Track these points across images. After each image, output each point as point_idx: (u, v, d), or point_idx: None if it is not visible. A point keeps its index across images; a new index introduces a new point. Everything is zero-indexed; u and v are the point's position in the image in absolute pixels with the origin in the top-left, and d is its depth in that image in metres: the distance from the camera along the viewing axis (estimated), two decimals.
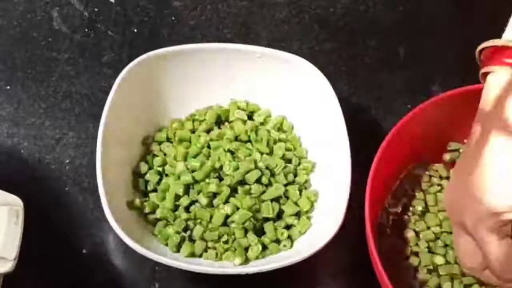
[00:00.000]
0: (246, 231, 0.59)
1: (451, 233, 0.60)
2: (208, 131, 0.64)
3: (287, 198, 0.61)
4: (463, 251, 0.51)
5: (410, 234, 0.61)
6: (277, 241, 0.60)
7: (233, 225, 0.59)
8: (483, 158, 0.47)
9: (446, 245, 0.60)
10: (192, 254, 0.59)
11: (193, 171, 0.60)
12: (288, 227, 0.60)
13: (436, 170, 0.65)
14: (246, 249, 0.59)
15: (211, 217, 0.59)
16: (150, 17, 0.75)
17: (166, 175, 0.62)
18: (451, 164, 0.64)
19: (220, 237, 0.59)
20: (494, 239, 0.47)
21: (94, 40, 0.73)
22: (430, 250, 0.60)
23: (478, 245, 0.48)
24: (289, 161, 0.64)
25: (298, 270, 0.59)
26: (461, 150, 0.65)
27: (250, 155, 0.61)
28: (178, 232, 0.59)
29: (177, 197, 0.60)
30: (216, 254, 0.59)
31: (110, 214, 0.56)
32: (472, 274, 0.54)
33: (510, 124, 0.46)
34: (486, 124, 0.49)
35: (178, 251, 0.59)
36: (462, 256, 0.52)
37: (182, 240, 0.59)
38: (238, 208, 0.59)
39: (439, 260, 0.59)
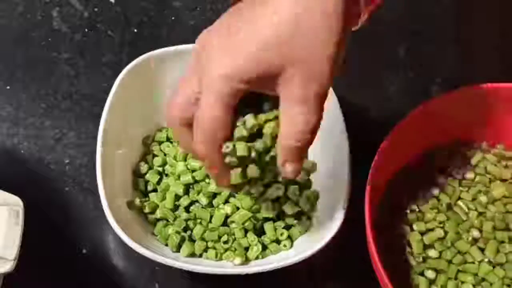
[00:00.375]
0: (246, 231, 0.59)
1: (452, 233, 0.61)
2: None
3: (287, 198, 0.61)
4: (180, 99, 0.48)
5: (410, 233, 0.61)
6: (277, 241, 0.60)
7: (233, 225, 0.59)
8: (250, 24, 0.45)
9: (448, 247, 0.61)
10: (192, 254, 0.59)
11: (193, 171, 0.60)
12: (288, 227, 0.60)
13: None
14: (246, 249, 0.59)
15: (211, 217, 0.59)
16: (150, 17, 0.75)
17: (166, 175, 0.62)
18: None
19: (220, 237, 0.59)
20: (216, 103, 0.45)
21: (94, 40, 0.73)
22: (430, 249, 0.60)
23: (197, 101, 0.46)
24: None
25: (298, 270, 0.59)
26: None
27: None
28: (178, 232, 0.59)
29: (177, 197, 0.60)
30: (216, 254, 0.59)
31: (110, 214, 0.56)
32: (171, 124, 0.50)
33: None
34: None
35: (178, 251, 0.59)
36: (175, 102, 0.49)
37: (182, 240, 0.59)
38: (238, 208, 0.59)
39: (436, 255, 0.60)
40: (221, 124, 0.46)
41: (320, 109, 0.46)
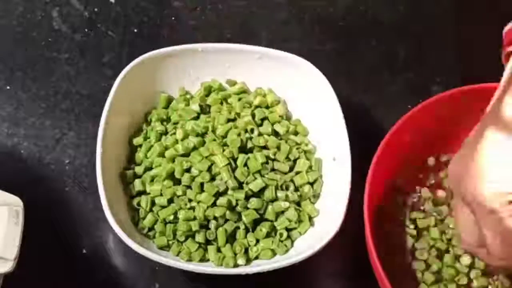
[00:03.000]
0: (247, 231, 0.59)
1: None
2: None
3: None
4: (462, 225, 0.51)
5: (410, 233, 0.61)
6: (277, 241, 0.60)
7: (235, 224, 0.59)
8: (477, 151, 0.47)
9: (446, 245, 0.61)
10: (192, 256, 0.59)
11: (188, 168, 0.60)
12: (288, 227, 0.60)
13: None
14: (246, 249, 0.59)
15: (208, 221, 0.59)
16: (150, 17, 0.75)
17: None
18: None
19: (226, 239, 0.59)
20: (491, 220, 0.46)
21: (94, 40, 0.73)
22: (430, 250, 0.61)
23: (476, 221, 0.48)
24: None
25: (298, 270, 0.59)
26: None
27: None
28: (178, 240, 0.59)
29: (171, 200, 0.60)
30: (218, 256, 0.59)
31: (110, 214, 0.56)
32: (469, 251, 0.53)
33: (503, 121, 0.46)
34: (487, 117, 0.49)
35: (178, 254, 0.59)
36: (461, 230, 0.51)
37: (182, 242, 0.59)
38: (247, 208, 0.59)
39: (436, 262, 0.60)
40: None
41: None
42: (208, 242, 0.59)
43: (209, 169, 0.59)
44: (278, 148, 0.62)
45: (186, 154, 0.60)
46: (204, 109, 0.64)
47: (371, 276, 0.56)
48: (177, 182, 0.60)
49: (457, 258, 0.60)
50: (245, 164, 0.59)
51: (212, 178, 0.59)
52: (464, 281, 0.59)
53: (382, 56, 0.75)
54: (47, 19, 0.74)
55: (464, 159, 0.48)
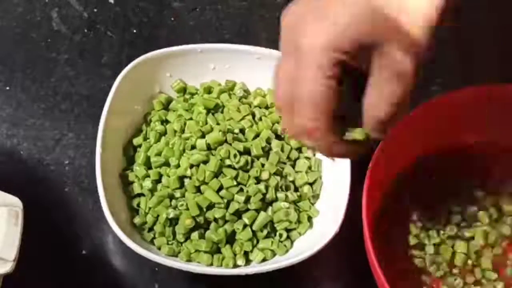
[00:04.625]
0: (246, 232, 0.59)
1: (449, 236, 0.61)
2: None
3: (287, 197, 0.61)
4: (280, 78, 0.46)
5: (409, 234, 0.61)
6: (277, 242, 0.59)
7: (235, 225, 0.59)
8: None
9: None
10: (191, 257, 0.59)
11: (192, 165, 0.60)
12: (287, 228, 0.60)
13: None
14: (246, 250, 0.59)
15: (207, 222, 0.59)
16: (149, 18, 0.75)
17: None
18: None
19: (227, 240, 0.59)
20: (317, 75, 0.43)
21: (93, 41, 0.73)
22: (430, 250, 0.61)
23: (298, 76, 0.44)
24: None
25: (298, 270, 0.59)
26: None
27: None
28: (177, 241, 0.59)
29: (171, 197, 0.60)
30: (218, 257, 0.58)
31: (109, 215, 0.56)
32: (279, 113, 0.48)
33: None
34: None
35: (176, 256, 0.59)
36: (277, 84, 0.46)
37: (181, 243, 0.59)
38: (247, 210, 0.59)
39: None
40: (325, 97, 0.43)
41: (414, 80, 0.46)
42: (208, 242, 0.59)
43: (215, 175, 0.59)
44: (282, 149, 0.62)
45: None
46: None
47: (370, 277, 0.56)
48: (178, 182, 0.60)
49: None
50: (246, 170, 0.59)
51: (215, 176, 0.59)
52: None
53: None
54: (46, 19, 0.74)
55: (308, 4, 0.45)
